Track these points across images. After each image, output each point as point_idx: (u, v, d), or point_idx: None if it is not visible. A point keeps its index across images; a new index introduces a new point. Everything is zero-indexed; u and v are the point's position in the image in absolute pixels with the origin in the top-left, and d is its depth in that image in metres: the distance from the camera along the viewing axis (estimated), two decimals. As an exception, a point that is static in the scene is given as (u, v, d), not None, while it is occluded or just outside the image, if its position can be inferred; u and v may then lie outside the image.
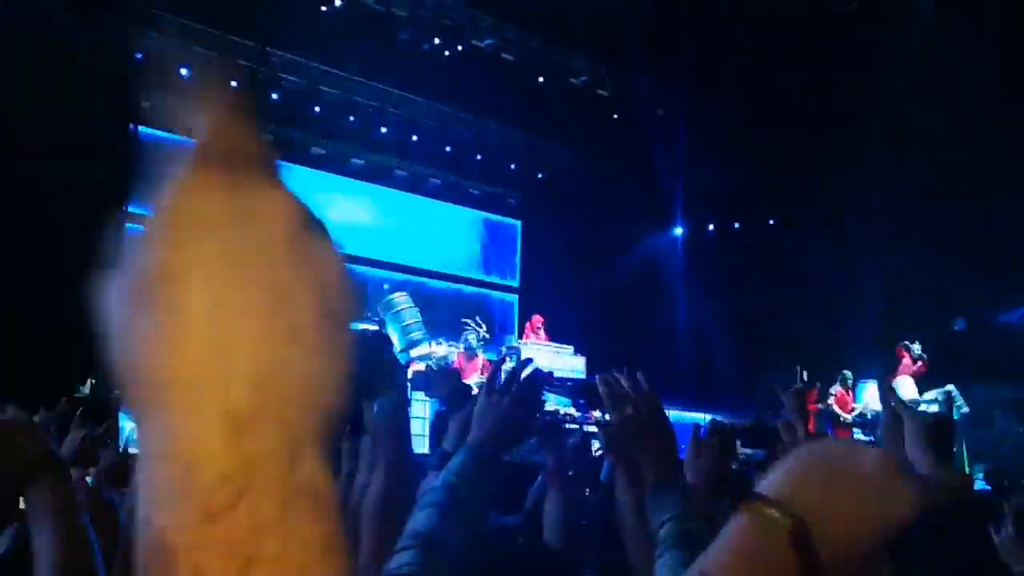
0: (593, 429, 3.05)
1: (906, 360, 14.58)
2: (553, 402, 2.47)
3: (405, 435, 2.23)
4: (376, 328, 11.19)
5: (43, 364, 7.44)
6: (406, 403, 2.25)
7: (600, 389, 2.01)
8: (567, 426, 2.78)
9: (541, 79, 16.57)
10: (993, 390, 14.69)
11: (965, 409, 14.13)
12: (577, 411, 2.32)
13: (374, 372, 2.23)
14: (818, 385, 13.97)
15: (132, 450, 1.45)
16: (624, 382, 2.01)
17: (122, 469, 2.08)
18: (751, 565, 0.84)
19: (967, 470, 13.11)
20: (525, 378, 2.02)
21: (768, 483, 0.89)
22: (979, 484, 8.07)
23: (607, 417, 2.04)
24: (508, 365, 2.08)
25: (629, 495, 2.10)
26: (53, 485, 1.54)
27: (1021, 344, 15.35)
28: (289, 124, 15.75)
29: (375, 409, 2.20)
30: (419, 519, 1.72)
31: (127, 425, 1.39)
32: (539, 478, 4.19)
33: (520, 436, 2.05)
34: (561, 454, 2.80)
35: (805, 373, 14.11)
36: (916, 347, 14.70)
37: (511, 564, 2.06)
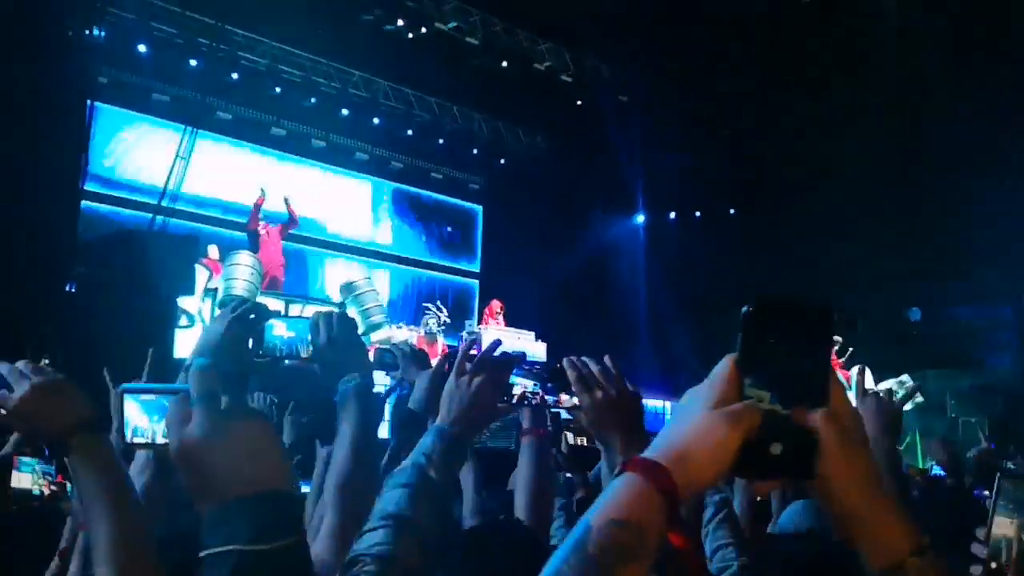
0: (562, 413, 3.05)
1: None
2: (521, 386, 2.47)
3: (370, 412, 2.20)
4: (341, 310, 11.14)
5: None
6: (371, 382, 2.22)
7: (568, 373, 1.99)
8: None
9: (505, 64, 16.49)
10: (945, 379, 14.93)
11: (919, 399, 14.33)
12: (546, 395, 2.30)
13: (340, 352, 2.25)
14: None
15: (137, 440, 1.50)
16: (592, 366, 1.99)
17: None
18: (626, 508, 0.98)
19: (920, 458, 13.32)
20: (494, 360, 2.02)
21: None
22: (936, 470, 8.16)
23: (575, 401, 2.02)
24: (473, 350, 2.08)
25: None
26: (96, 441, 1.66)
27: (972, 333, 15.61)
28: (249, 104, 15.61)
29: (340, 388, 2.20)
30: (389, 499, 1.72)
31: (131, 416, 1.41)
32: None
33: (489, 418, 2.04)
34: (539, 414, 2.81)
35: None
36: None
37: (488, 546, 2.03)
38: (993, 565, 1.51)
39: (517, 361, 2.29)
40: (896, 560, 1.05)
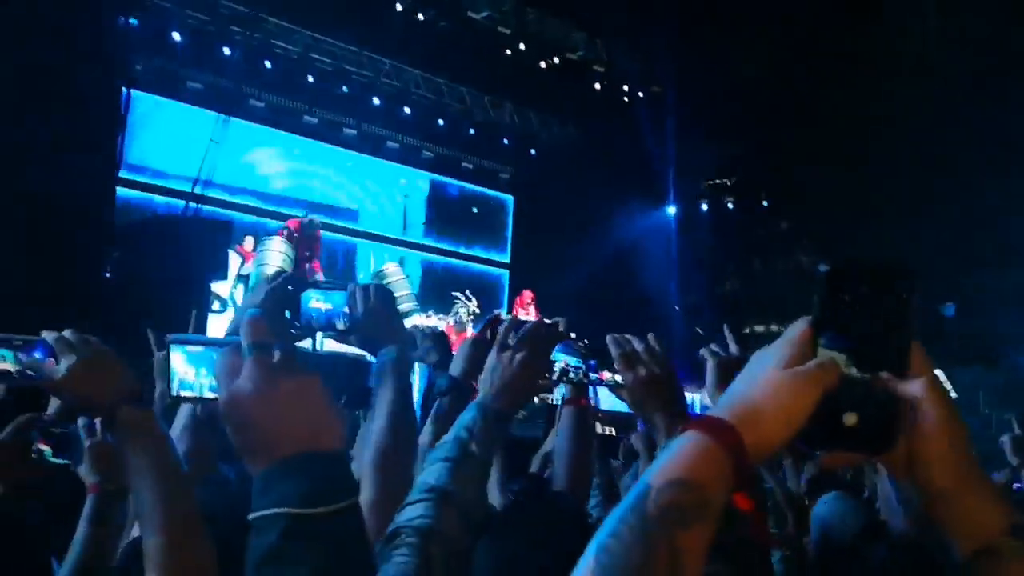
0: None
1: None
2: (564, 362, 2.46)
3: (406, 385, 2.21)
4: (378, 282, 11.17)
5: (27, 326, 7.35)
6: (408, 355, 2.22)
7: (612, 350, 2.01)
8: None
9: (537, 53, 16.45)
10: (977, 375, 14.81)
11: (952, 394, 14.19)
12: (589, 371, 2.31)
13: (377, 324, 2.23)
14: None
15: (185, 394, 1.51)
16: (636, 344, 2.01)
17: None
18: (690, 467, 0.95)
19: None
20: (536, 336, 2.00)
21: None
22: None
23: (618, 378, 2.04)
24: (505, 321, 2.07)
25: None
26: (142, 415, 1.65)
27: (1005, 330, 15.46)
28: (281, 92, 15.67)
29: (377, 360, 2.20)
30: (431, 473, 1.71)
31: (178, 368, 1.42)
32: (547, 441, 4.21)
33: (530, 394, 2.07)
34: (581, 387, 2.81)
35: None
36: None
37: (523, 519, 2.04)
38: None
39: (561, 337, 2.30)
40: (990, 541, 0.99)
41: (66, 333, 1.70)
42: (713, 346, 2.49)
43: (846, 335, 1.00)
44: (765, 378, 1.00)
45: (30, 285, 7.66)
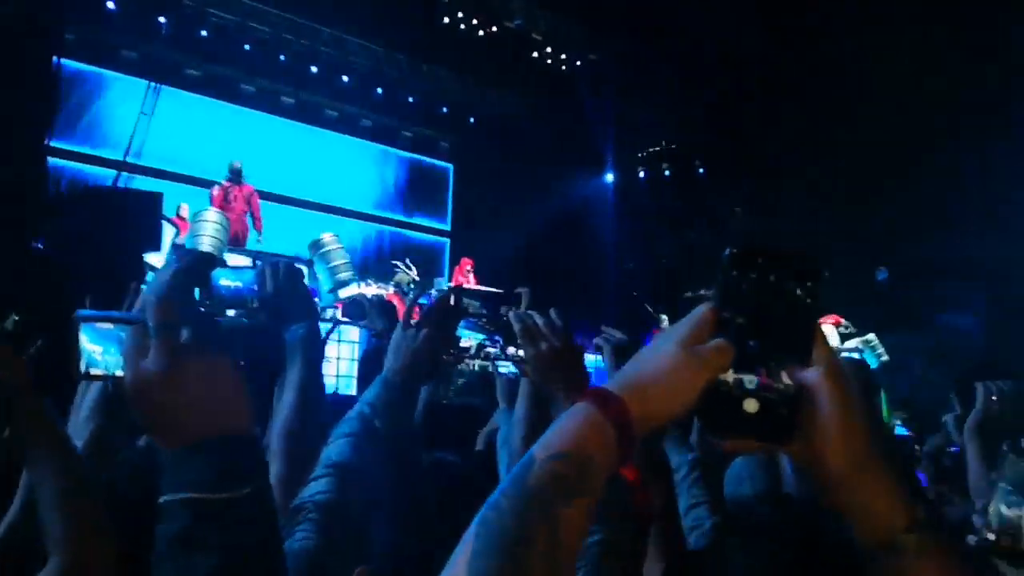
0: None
1: None
2: (469, 338, 2.49)
3: (316, 362, 2.23)
4: (288, 260, 11.15)
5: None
6: (317, 331, 2.27)
7: (514, 326, 2.04)
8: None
9: (475, 21, 16.42)
10: (910, 337, 15.05)
11: (885, 357, 14.51)
12: (493, 347, 2.33)
13: (287, 301, 2.25)
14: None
15: (94, 372, 1.52)
16: (538, 319, 2.04)
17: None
18: (572, 439, 0.95)
19: (886, 416, 13.50)
20: (439, 312, 2.06)
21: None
22: (899, 430, 8.30)
23: (521, 353, 2.07)
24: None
25: (531, 415, 2.19)
26: (36, 406, 1.67)
27: (939, 293, 15.78)
28: (218, 61, 15.51)
29: (287, 338, 2.22)
30: (333, 449, 1.76)
31: (87, 346, 1.42)
32: (492, 419, 4.24)
33: (433, 370, 2.06)
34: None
35: (665, 319, 14.40)
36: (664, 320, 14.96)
37: (443, 498, 2.11)
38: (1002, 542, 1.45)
39: (463, 314, 2.35)
40: (889, 536, 0.98)
41: None
42: (606, 333, 2.60)
43: (747, 321, 0.99)
44: (660, 354, 1.00)
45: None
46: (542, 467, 0.93)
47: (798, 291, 0.99)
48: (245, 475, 1.01)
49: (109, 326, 1.58)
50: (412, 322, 2.03)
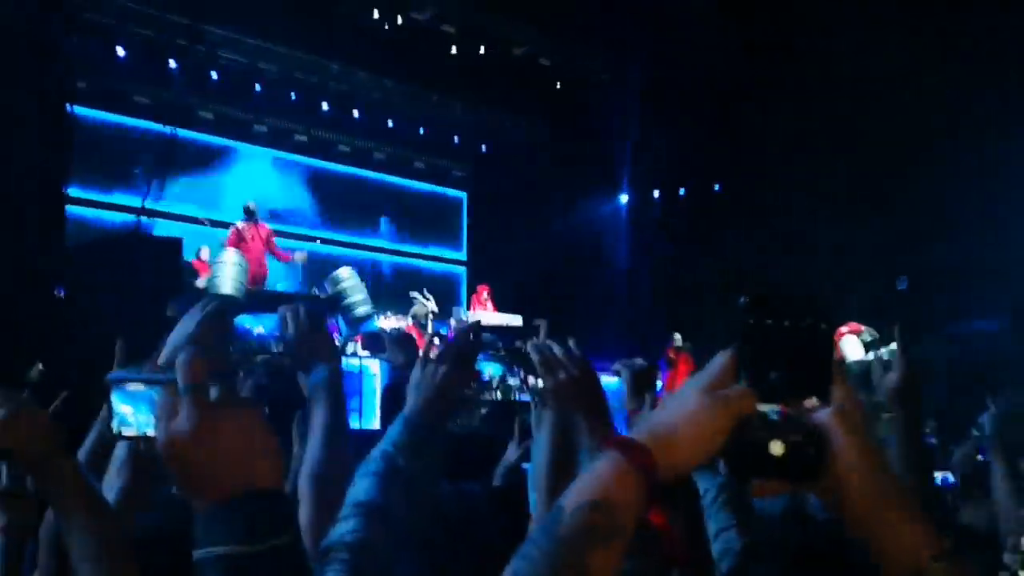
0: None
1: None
2: (489, 371, 2.46)
3: (340, 403, 2.21)
4: (313, 297, 11.21)
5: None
6: (340, 372, 2.26)
7: (533, 356, 2.05)
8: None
9: (482, 50, 16.52)
10: (935, 346, 14.95)
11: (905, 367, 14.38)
12: (513, 378, 2.31)
13: (308, 346, 2.24)
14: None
15: (126, 432, 1.53)
16: (556, 349, 2.04)
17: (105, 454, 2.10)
18: (600, 487, 0.98)
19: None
20: (458, 348, 2.03)
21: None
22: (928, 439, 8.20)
23: (540, 383, 2.06)
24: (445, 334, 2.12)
25: (552, 447, 2.18)
26: (67, 466, 1.66)
27: (960, 298, 15.69)
28: (229, 103, 15.67)
29: (311, 380, 2.21)
30: (359, 489, 1.75)
31: (119, 408, 1.42)
32: (508, 451, 4.21)
33: (455, 405, 2.05)
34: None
35: (678, 337, 14.43)
36: (677, 338, 14.99)
37: (464, 529, 2.11)
38: None
39: (482, 347, 2.34)
40: (914, 567, 0.99)
41: None
42: (625, 361, 2.62)
43: (768, 365, 1.01)
44: (683, 401, 1.03)
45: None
46: (572, 516, 0.96)
47: (812, 332, 1.02)
48: (277, 527, 1.03)
49: (140, 387, 1.60)
50: (431, 357, 2.01)
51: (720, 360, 1.04)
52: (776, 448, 0.98)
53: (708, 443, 1.00)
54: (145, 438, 1.61)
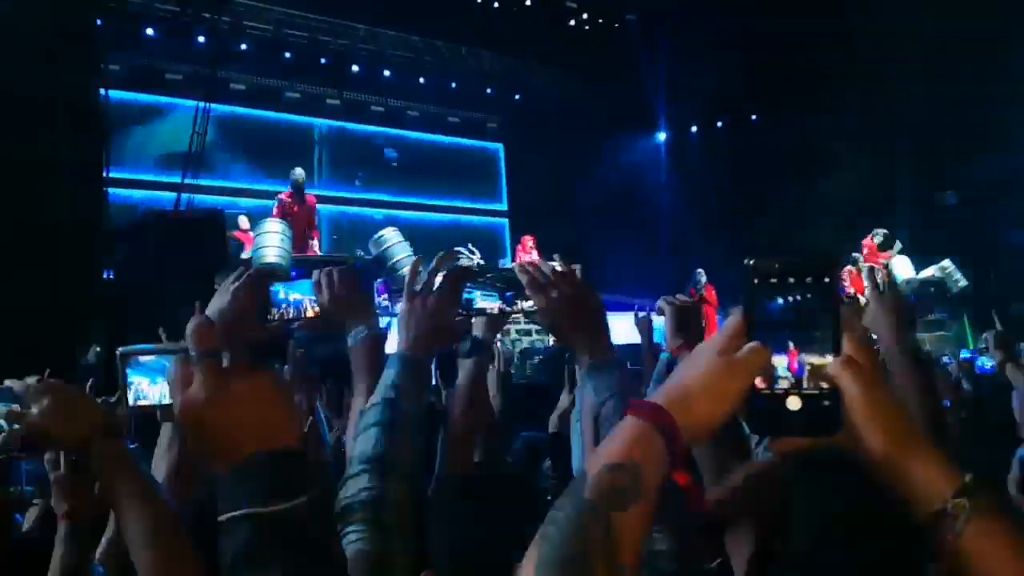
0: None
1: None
2: (480, 298, 2.38)
3: (381, 365, 2.06)
4: (352, 262, 11.24)
5: (38, 337, 7.45)
6: (379, 331, 2.25)
7: (521, 278, 1.95)
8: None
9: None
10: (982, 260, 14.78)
11: (963, 283, 14.22)
12: (505, 304, 2.24)
13: (345, 308, 2.23)
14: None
15: (142, 403, 1.56)
16: (544, 267, 1.94)
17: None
18: (623, 450, 0.99)
19: (971, 342, 13.25)
20: (444, 276, 1.98)
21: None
22: (982, 360, 8.08)
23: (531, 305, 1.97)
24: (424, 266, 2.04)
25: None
26: (113, 445, 1.68)
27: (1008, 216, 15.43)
28: (260, 72, 15.70)
29: (350, 342, 2.20)
30: (366, 441, 1.70)
31: (134, 380, 1.45)
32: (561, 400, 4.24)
33: (447, 336, 2.04)
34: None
35: (702, 273, 14.32)
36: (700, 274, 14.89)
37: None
38: None
39: (467, 273, 2.27)
40: (940, 505, 1.01)
41: (29, 380, 1.73)
42: (667, 297, 2.57)
43: (777, 324, 1.03)
44: (699, 364, 1.05)
45: (33, 300, 7.74)
46: (596, 479, 0.97)
47: (819, 290, 1.03)
48: (297, 487, 1.02)
49: (152, 358, 1.62)
50: (415, 290, 1.96)
51: (729, 322, 1.06)
52: (793, 403, 1.01)
53: (726, 403, 1.02)
54: (161, 407, 1.63)
